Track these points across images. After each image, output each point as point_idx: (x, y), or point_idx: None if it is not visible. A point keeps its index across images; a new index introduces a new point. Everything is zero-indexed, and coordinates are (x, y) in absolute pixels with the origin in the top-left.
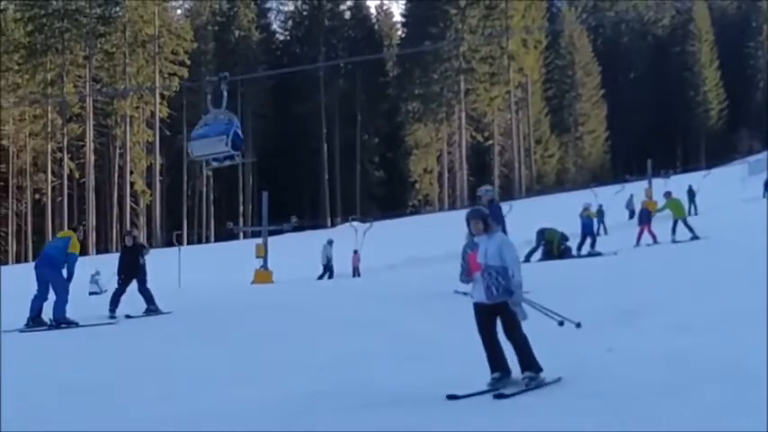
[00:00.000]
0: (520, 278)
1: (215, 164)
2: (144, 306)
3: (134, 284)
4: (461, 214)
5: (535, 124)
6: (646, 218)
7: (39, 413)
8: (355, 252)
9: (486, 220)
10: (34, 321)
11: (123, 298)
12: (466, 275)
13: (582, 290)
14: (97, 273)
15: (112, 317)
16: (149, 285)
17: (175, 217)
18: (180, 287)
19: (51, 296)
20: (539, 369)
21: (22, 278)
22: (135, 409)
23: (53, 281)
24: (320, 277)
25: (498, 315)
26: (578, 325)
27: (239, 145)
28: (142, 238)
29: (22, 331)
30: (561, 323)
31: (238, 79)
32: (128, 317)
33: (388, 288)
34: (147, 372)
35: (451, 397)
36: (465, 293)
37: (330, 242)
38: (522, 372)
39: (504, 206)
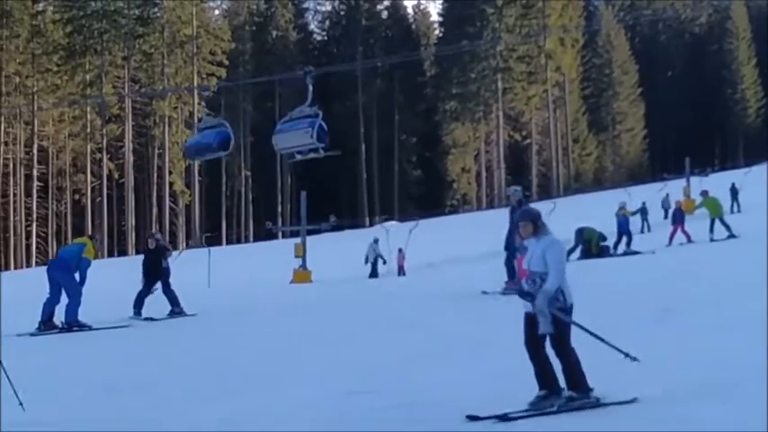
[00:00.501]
0: (553, 285)
1: (299, 156)
2: (168, 308)
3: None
4: (499, 213)
5: (573, 123)
6: (679, 217)
7: (85, 413)
8: (400, 251)
9: (537, 221)
10: (46, 325)
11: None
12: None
13: (621, 289)
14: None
15: (136, 318)
16: (173, 287)
17: (214, 217)
18: (209, 287)
19: (64, 298)
20: (587, 389)
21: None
22: (178, 410)
23: (65, 284)
24: (371, 276)
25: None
26: (634, 359)
27: (324, 137)
28: (165, 240)
29: (32, 335)
30: (626, 355)
31: (276, 79)
32: (150, 319)
33: (426, 287)
34: (185, 372)
35: (472, 418)
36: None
37: (376, 240)
38: (568, 390)
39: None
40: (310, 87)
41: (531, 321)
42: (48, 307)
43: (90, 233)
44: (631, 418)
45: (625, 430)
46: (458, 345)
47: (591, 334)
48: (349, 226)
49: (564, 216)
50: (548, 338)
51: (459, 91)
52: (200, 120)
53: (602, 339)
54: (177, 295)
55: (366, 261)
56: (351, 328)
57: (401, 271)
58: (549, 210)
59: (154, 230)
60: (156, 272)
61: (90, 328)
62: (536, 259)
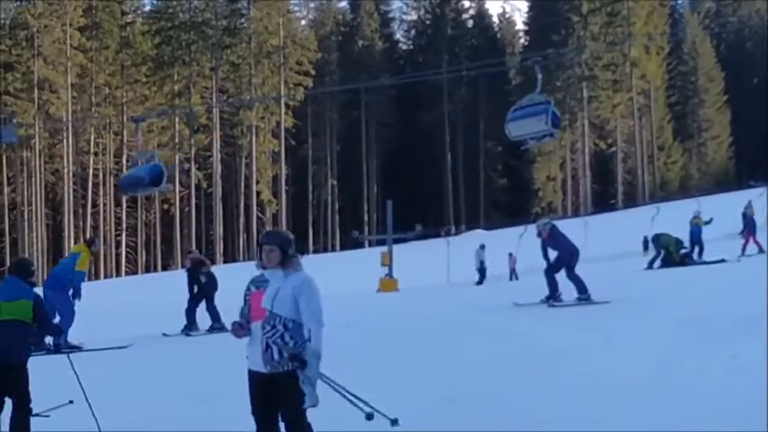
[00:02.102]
0: (319, 344)
1: (532, 142)
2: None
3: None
4: (585, 222)
5: (658, 131)
6: (751, 227)
7: (167, 422)
8: (510, 255)
9: (287, 249)
10: (36, 346)
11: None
12: (244, 324)
13: (703, 297)
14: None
15: (187, 334)
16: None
17: (301, 226)
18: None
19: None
20: None
21: (151, 288)
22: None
23: (57, 303)
24: (479, 282)
25: (281, 391)
26: (394, 422)
27: (557, 123)
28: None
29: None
30: (370, 417)
31: (362, 88)
32: (164, 335)
33: (511, 296)
34: None
35: None
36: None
37: (482, 246)
38: None
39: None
40: (539, 76)
41: (255, 381)
42: None
43: (88, 237)
44: None
45: None
46: (544, 354)
47: (335, 388)
48: (435, 234)
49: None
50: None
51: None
52: (142, 154)
53: (346, 394)
54: (219, 312)
55: (479, 267)
56: (436, 336)
57: (513, 274)
58: (653, 215)
59: (192, 249)
60: (198, 288)
61: (80, 350)
62: (282, 300)
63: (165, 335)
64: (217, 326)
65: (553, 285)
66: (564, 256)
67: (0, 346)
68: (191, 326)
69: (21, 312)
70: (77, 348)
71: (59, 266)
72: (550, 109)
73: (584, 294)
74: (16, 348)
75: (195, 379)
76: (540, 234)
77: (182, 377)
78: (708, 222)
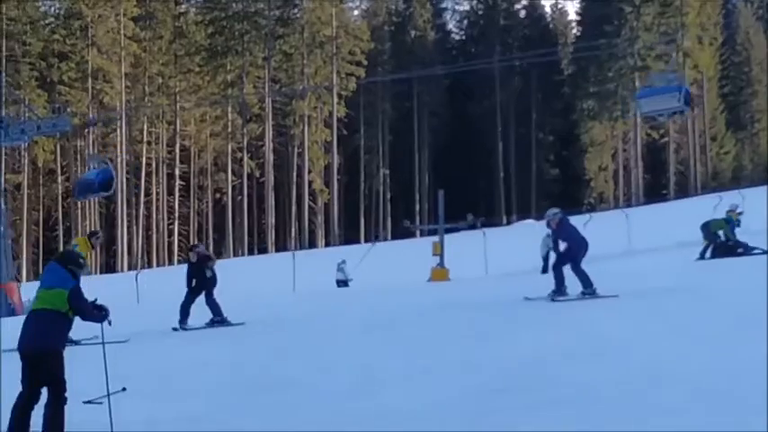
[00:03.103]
0: None
1: (661, 118)
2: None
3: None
4: (637, 212)
5: (710, 121)
6: None
7: (238, 410)
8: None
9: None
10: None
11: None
12: None
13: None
14: (343, 261)
15: (183, 328)
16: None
17: (352, 216)
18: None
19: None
20: None
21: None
22: (328, 405)
23: None
24: (543, 271)
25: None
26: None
27: (689, 101)
28: (208, 250)
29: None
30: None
31: (414, 78)
32: (177, 329)
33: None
34: (328, 370)
35: None
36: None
37: (548, 235)
38: None
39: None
40: (673, 55)
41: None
42: None
43: (92, 230)
44: None
45: None
46: (603, 343)
47: None
48: (486, 224)
49: (700, 214)
50: None
51: (597, 90)
52: (93, 158)
53: None
54: (219, 305)
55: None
56: (489, 325)
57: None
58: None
59: (196, 242)
60: (199, 282)
61: (77, 343)
62: None
63: (174, 329)
64: (217, 319)
65: (560, 279)
66: (572, 249)
67: (33, 333)
68: (184, 320)
69: (55, 302)
70: (73, 342)
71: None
72: (684, 88)
73: (588, 289)
74: (48, 336)
75: (259, 367)
76: (549, 225)
77: (241, 365)
78: (738, 222)
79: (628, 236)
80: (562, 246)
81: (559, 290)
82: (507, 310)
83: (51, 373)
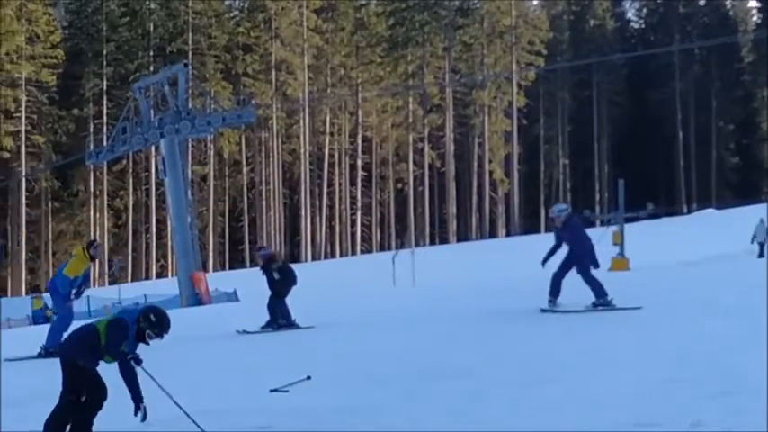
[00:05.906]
0: None
1: None
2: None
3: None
4: None
5: None
6: None
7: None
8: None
9: None
10: (47, 351)
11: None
12: None
13: None
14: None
15: (271, 328)
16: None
17: (532, 205)
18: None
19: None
20: None
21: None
22: (500, 396)
23: (55, 306)
24: (760, 255)
25: None
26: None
27: None
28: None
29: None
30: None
31: (593, 67)
32: (244, 331)
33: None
34: (502, 359)
35: None
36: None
37: (762, 221)
38: None
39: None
40: None
41: None
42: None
43: (91, 239)
44: None
45: None
46: None
47: None
48: (666, 214)
49: None
50: None
51: None
52: None
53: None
54: (281, 311)
55: (752, 240)
56: (666, 313)
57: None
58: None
59: (260, 244)
60: (274, 284)
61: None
62: None
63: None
64: (283, 323)
65: (556, 288)
66: (574, 255)
67: (68, 344)
68: (279, 319)
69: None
70: (51, 355)
71: (60, 268)
72: None
73: (601, 299)
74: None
75: (432, 357)
76: (553, 221)
77: (413, 353)
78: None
79: None
80: (569, 248)
81: (553, 300)
82: (686, 297)
83: (85, 383)
